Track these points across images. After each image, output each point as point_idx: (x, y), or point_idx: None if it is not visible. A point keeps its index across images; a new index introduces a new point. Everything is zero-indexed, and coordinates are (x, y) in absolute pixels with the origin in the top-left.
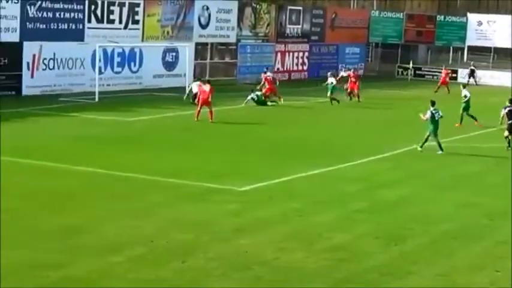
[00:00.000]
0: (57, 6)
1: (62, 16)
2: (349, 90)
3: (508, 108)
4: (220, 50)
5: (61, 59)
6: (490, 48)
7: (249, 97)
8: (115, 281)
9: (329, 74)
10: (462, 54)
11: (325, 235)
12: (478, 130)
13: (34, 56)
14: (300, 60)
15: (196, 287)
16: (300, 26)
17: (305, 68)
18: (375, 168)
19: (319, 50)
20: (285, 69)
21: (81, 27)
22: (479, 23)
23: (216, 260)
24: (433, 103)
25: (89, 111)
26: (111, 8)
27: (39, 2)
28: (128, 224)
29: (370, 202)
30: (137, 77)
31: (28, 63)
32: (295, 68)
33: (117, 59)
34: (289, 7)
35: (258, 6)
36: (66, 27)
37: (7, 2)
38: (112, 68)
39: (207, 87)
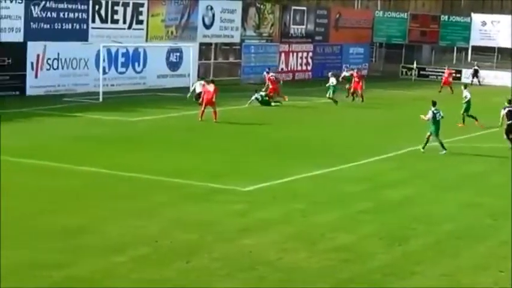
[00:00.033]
0: (61, 6)
1: (66, 16)
2: (352, 90)
3: (507, 109)
4: (224, 50)
5: (65, 59)
6: (494, 48)
7: (253, 97)
8: (118, 281)
9: (330, 74)
10: (466, 54)
11: (328, 235)
12: (480, 130)
13: (38, 56)
14: (304, 61)
15: (200, 287)
16: (304, 26)
17: (309, 68)
18: (379, 168)
19: (323, 50)
20: (289, 69)
21: (85, 27)
22: (483, 23)
23: (220, 260)
24: (434, 103)
25: (93, 111)
26: (115, 8)
27: (43, 2)
28: (131, 224)
29: (374, 202)
30: (141, 77)
31: (32, 63)
32: (299, 68)
33: (121, 59)
34: (293, 7)
35: (262, 6)
36: (70, 27)
37: (11, 2)
38: (116, 68)
39: (211, 87)
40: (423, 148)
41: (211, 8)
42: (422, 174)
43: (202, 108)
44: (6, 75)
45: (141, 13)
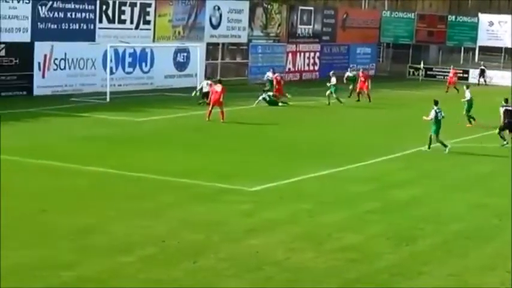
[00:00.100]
0: (68, 6)
1: (73, 16)
2: (358, 90)
3: (504, 107)
4: (231, 50)
5: (72, 59)
6: (501, 48)
7: (260, 97)
8: (125, 281)
9: (331, 73)
10: (473, 54)
11: (335, 235)
12: (487, 130)
13: (45, 56)
14: (311, 61)
15: (207, 287)
16: (311, 26)
17: (316, 68)
18: (386, 168)
19: (331, 50)
20: (296, 69)
21: (92, 27)
22: (491, 23)
23: (227, 260)
24: (436, 102)
25: (100, 111)
26: (123, 8)
27: (51, 2)
28: (139, 224)
29: (381, 202)
30: (148, 77)
31: (39, 64)
32: (306, 68)
33: (128, 59)
34: (300, 7)
35: (269, 6)
36: (77, 27)
37: (18, 2)
38: (123, 68)
39: (218, 88)
40: (429, 148)
41: (219, 8)
42: (430, 174)
43: (210, 108)
44: (13, 75)
45: (148, 13)
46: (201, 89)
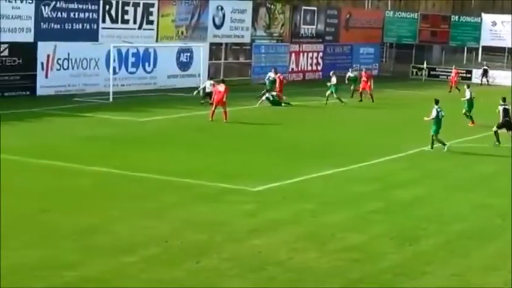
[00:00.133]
0: (71, 6)
1: (76, 16)
2: (360, 91)
3: (502, 106)
4: (234, 50)
5: (75, 59)
6: (504, 48)
7: (263, 97)
8: (128, 281)
9: (331, 73)
10: (476, 54)
11: (338, 235)
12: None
13: (48, 56)
14: (315, 61)
15: (210, 287)
16: (314, 26)
17: (319, 68)
18: (390, 168)
19: (334, 50)
20: (299, 69)
21: (95, 27)
22: (494, 23)
23: (230, 261)
24: (436, 101)
25: (103, 111)
26: (126, 8)
27: (54, 2)
28: (142, 224)
29: (385, 202)
30: (151, 77)
31: (42, 64)
32: (309, 68)
33: (131, 59)
34: (303, 7)
35: (272, 6)
36: (80, 27)
37: (21, 2)
38: (126, 68)
39: (221, 88)
40: (431, 148)
41: (222, 8)
42: (433, 174)
43: (213, 108)
44: (16, 75)
45: (151, 13)
46: (204, 88)
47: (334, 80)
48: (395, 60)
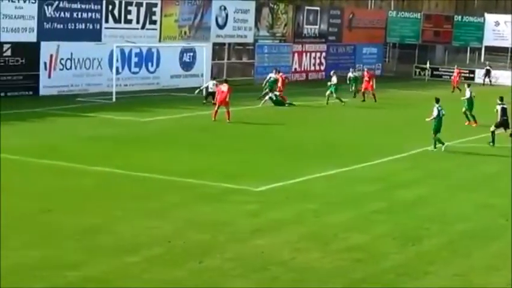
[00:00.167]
0: (74, 6)
1: (79, 16)
2: (362, 90)
3: (500, 106)
4: (237, 50)
5: (78, 59)
6: (508, 48)
7: (267, 97)
8: (131, 281)
9: (332, 72)
10: (479, 54)
11: (341, 235)
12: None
13: (51, 56)
14: (318, 61)
15: (213, 287)
16: (317, 26)
17: (322, 68)
18: (392, 168)
19: (337, 50)
20: (302, 69)
21: (98, 27)
22: (497, 23)
23: (233, 261)
24: (437, 100)
25: (106, 111)
26: (129, 8)
27: (57, 2)
28: (145, 224)
29: (388, 202)
30: (154, 77)
31: (45, 63)
32: (312, 68)
33: (134, 59)
34: (306, 7)
35: (275, 6)
36: (83, 27)
37: (24, 2)
38: (129, 68)
39: (225, 87)
40: (434, 148)
41: (225, 8)
42: (436, 174)
43: (216, 108)
44: (19, 75)
45: (154, 13)
46: (207, 88)
47: (334, 79)
48: (398, 60)
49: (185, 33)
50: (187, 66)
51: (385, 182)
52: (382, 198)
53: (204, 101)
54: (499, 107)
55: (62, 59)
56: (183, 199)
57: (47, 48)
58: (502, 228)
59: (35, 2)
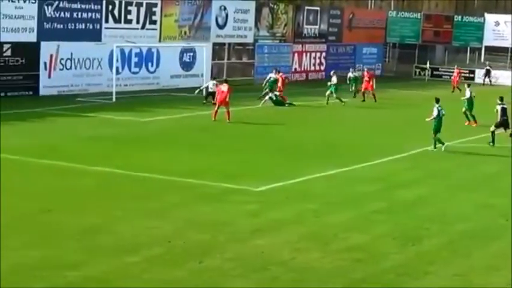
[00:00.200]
0: (74, 6)
1: (79, 16)
2: (363, 90)
3: (500, 106)
4: (237, 50)
5: (78, 59)
6: (508, 48)
7: (267, 97)
8: (131, 281)
9: (332, 72)
10: (479, 54)
11: (341, 235)
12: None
13: (51, 56)
14: (318, 61)
15: (213, 287)
16: (317, 26)
17: (322, 68)
18: (392, 168)
19: (337, 50)
20: (302, 69)
21: (98, 27)
22: (497, 23)
23: (233, 261)
24: (437, 100)
25: (106, 111)
26: (129, 8)
27: (57, 2)
28: (145, 224)
29: (388, 202)
30: (154, 77)
31: (45, 63)
32: (312, 68)
33: (134, 59)
34: (306, 7)
35: (275, 6)
36: (83, 27)
37: (24, 2)
38: (129, 68)
39: (225, 87)
40: (435, 148)
41: (225, 8)
42: (436, 174)
43: (216, 108)
44: (19, 75)
45: (154, 13)
46: (207, 88)
47: (334, 79)
48: (398, 60)
49: (185, 33)
50: (187, 66)
51: (385, 182)
52: (382, 198)
53: (204, 101)
54: (499, 107)
55: (62, 59)
56: (183, 199)
57: (47, 48)
58: (502, 228)
59: (35, 2)
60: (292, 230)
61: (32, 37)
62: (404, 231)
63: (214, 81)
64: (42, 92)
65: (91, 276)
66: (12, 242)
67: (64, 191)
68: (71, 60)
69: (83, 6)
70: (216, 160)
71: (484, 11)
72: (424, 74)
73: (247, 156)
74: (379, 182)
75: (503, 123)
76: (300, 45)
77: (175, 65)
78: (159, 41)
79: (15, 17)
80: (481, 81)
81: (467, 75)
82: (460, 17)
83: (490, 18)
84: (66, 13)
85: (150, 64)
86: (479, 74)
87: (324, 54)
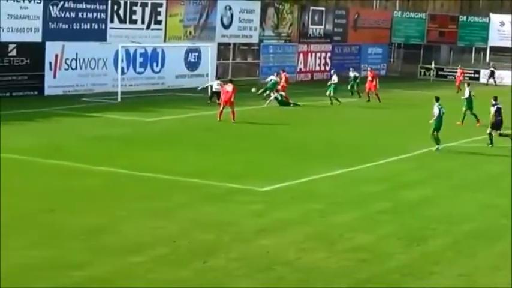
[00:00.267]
0: (79, 6)
1: (84, 16)
2: (366, 91)
3: (496, 106)
4: (242, 50)
5: (83, 59)
6: None
7: (272, 97)
8: (136, 281)
9: (332, 71)
10: (484, 54)
11: (346, 235)
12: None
13: (56, 56)
14: (323, 61)
15: (217, 287)
16: (322, 27)
17: (327, 68)
18: (397, 168)
19: (342, 50)
20: (308, 69)
21: (103, 27)
22: (502, 24)
23: (237, 261)
24: (437, 99)
25: (111, 111)
26: (134, 8)
27: (62, 2)
28: (149, 224)
29: (393, 202)
30: (159, 77)
31: (50, 63)
32: (317, 68)
33: (139, 59)
34: (311, 7)
35: (280, 6)
36: (88, 27)
37: (30, 2)
38: (134, 68)
39: (229, 87)
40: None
41: (230, 8)
42: (441, 174)
43: (221, 109)
44: (24, 75)
45: (159, 13)
46: (211, 87)
47: (335, 78)
48: (404, 60)
49: (190, 33)
50: (192, 66)
51: (390, 182)
52: (387, 198)
53: (209, 101)
54: (493, 108)
55: (67, 59)
56: (188, 199)
57: (52, 48)
58: (507, 229)
59: (40, 2)
60: (298, 230)
61: (37, 37)
62: (409, 232)
63: (219, 81)
64: (47, 92)
65: (96, 276)
66: (17, 242)
67: (69, 191)
68: (76, 60)
69: (88, 6)
70: (221, 160)
71: (489, 11)
72: (429, 74)
73: (252, 156)
74: (384, 182)
75: (498, 124)
76: (305, 46)
77: (180, 65)
78: (164, 41)
79: (20, 17)
80: (485, 82)
81: (472, 75)
82: (465, 17)
83: (495, 18)
84: (71, 13)
85: (155, 64)
86: (484, 74)
87: (329, 54)
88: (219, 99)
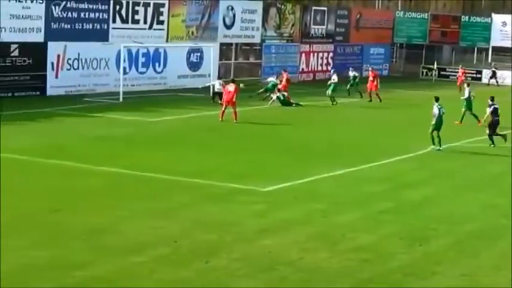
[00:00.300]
0: (81, 6)
1: (86, 16)
2: (368, 91)
3: (492, 106)
4: (244, 51)
5: (85, 59)
6: None
7: (274, 97)
8: (138, 281)
9: (332, 71)
10: (486, 54)
11: (349, 235)
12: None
13: (58, 56)
14: (325, 61)
15: (219, 287)
16: (324, 27)
17: (329, 68)
18: (400, 168)
19: (344, 50)
20: (310, 69)
21: (105, 27)
22: (504, 24)
23: (239, 261)
24: (437, 99)
25: (113, 111)
26: (136, 8)
27: (64, 2)
28: (151, 224)
29: (395, 202)
30: (162, 78)
31: (52, 64)
32: (319, 68)
33: (141, 59)
34: (313, 7)
35: (282, 6)
36: (90, 27)
37: (32, 2)
38: (136, 68)
39: (231, 87)
40: (440, 146)
41: (232, 8)
42: (443, 174)
43: (223, 109)
44: (26, 75)
45: (161, 13)
46: (213, 86)
47: (335, 78)
48: (406, 60)
49: (192, 33)
50: (194, 66)
51: (392, 182)
52: (389, 198)
53: (212, 101)
54: (490, 109)
55: (69, 59)
56: (190, 199)
57: (54, 48)
58: (507, 228)
59: (42, 2)
60: (300, 230)
61: (39, 37)
62: (411, 232)
63: (221, 81)
64: (50, 92)
65: (98, 276)
66: (18, 242)
67: (71, 191)
68: (78, 61)
69: (90, 6)
70: (223, 160)
71: (491, 11)
72: (431, 75)
73: (254, 157)
74: (386, 182)
75: (495, 124)
76: (307, 46)
77: (182, 65)
78: (167, 41)
79: (22, 17)
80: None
81: (474, 75)
82: (467, 17)
83: (497, 18)
84: (73, 13)
85: (157, 64)
86: (486, 74)
87: (331, 54)
88: (221, 99)
